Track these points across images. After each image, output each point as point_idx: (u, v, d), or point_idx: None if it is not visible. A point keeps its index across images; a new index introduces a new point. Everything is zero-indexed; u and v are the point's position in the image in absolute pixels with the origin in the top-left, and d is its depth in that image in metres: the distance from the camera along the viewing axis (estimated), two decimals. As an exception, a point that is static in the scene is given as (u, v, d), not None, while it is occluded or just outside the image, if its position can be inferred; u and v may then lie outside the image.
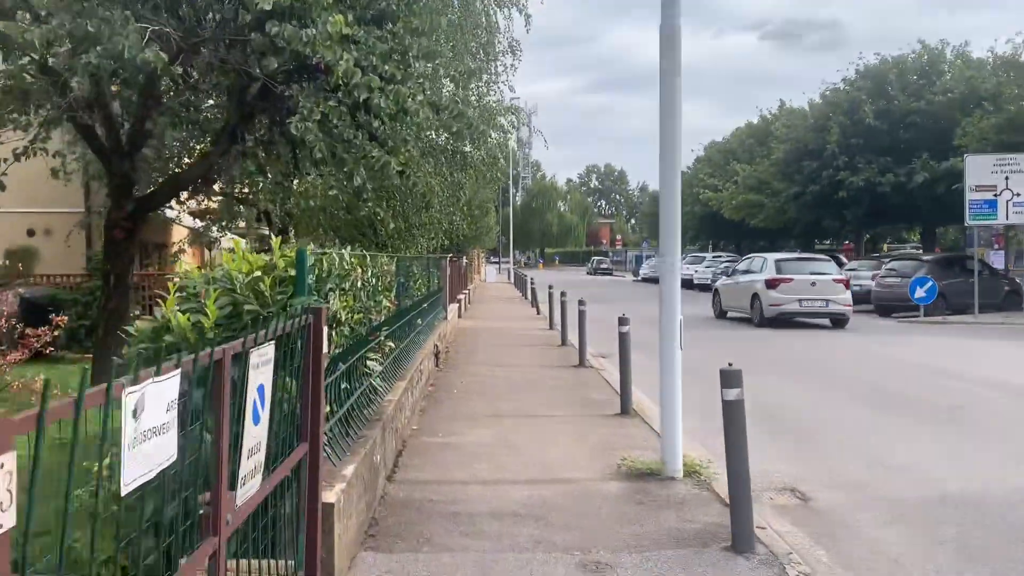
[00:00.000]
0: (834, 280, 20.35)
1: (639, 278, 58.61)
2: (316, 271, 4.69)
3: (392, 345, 7.78)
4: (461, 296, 25.23)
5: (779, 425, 8.98)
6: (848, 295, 20.28)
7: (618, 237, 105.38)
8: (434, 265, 15.52)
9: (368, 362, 6.31)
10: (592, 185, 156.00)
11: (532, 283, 27.75)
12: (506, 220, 71.08)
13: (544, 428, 8.48)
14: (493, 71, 17.01)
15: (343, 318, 5.27)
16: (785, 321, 20.68)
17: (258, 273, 4.39)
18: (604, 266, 76.95)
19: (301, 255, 4.31)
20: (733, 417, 4.97)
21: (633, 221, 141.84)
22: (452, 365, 13.36)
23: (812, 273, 20.45)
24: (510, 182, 71.04)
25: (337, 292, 5.14)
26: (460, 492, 6.13)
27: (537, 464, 6.98)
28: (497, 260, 79.08)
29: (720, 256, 44.88)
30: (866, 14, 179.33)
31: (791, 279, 20.21)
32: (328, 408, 4.64)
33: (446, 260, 16.51)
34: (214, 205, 19.04)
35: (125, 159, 9.07)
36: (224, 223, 17.83)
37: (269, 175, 11.92)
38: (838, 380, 12.21)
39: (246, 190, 17.40)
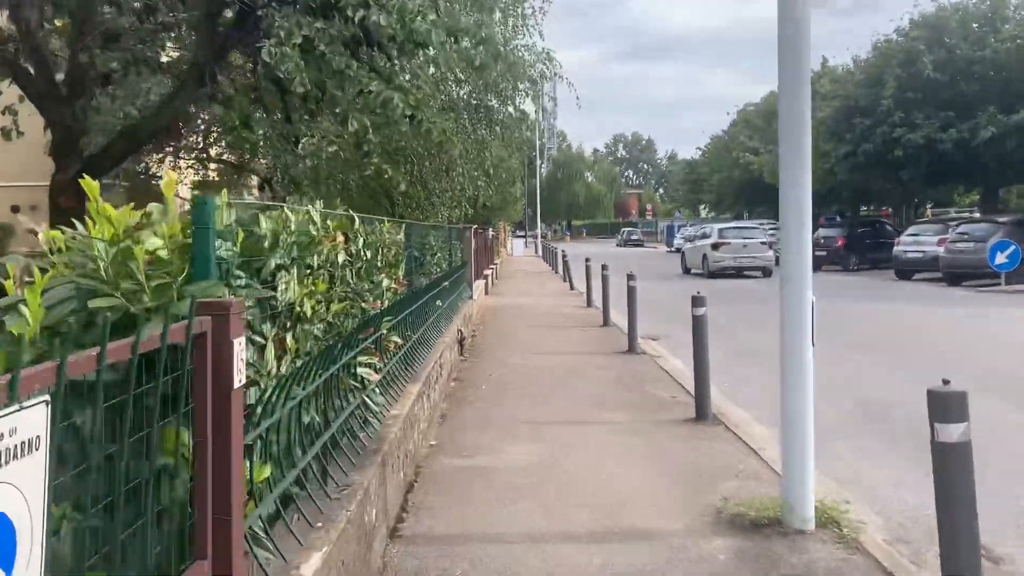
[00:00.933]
0: (760, 243, 27.00)
1: (673, 249, 56.29)
2: (240, 236, 2.72)
3: (400, 340, 5.85)
4: (488, 271, 23.31)
5: (891, 427, 6.97)
6: (771, 254, 25.94)
7: (648, 207, 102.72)
8: (457, 236, 13.59)
9: (359, 370, 4.39)
10: (619, 155, 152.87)
11: (564, 256, 25.65)
12: (532, 191, 68.87)
13: (602, 441, 6.52)
14: (520, 13, 14.92)
15: (307, 311, 3.33)
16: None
17: (130, 242, 2.43)
18: (635, 237, 74.56)
19: (200, 208, 2.37)
20: (956, 471, 2.98)
21: (662, 191, 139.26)
22: (479, 353, 11.42)
23: (744, 238, 27.21)
24: (536, 152, 68.63)
25: (295, 272, 3.20)
26: (497, 558, 4.21)
27: (602, 503, 5.03)
28: (523, 233, 77.04)
29: (764, 223, 42.50)
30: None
31: (729, 242, 27.00)
32: (267, 473, 2.71)
33: (470, 231, 14.56)
34: (214, 175, 17.24)
35: (64, 105, 7.17)
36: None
37: (256, 128, 10.00)
38: (942, 363, 10.09)
39: (246, 156, 15.56)
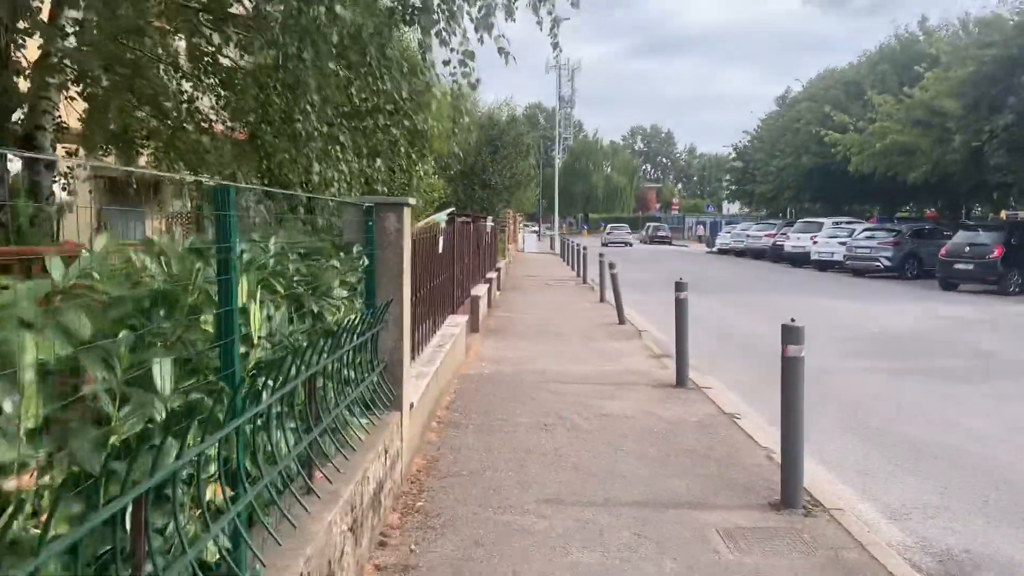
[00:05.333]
0: (626, 232, 60.10)
1: (714, 249, 46.80)
2: None
3: None
4: (481, 288, 13.97)
5: None
6: (631, 236, 61.05)
7: (674, 200, 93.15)
8: (351, 232, 4.29)
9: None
10: (637, 147, 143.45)
11: (612, 268, 15.68)
12: (548, 180, 59.59)
13: None
14: None
15: None
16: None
17: None
18: (662, 234, 64.80)
19: None
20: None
21: (680, 186, 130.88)
22: None
23: (619, 230, 59.77)
24: (558, 139, 59.13)
25: None
26: None
27: None
28: (537, 226, 67.85)
29: (841, 222, 32.97)
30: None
31: (614, 232, 58.29)
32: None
33: (399, 216, 4.95)
34: None
35: None
36: None
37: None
38: None
39: None
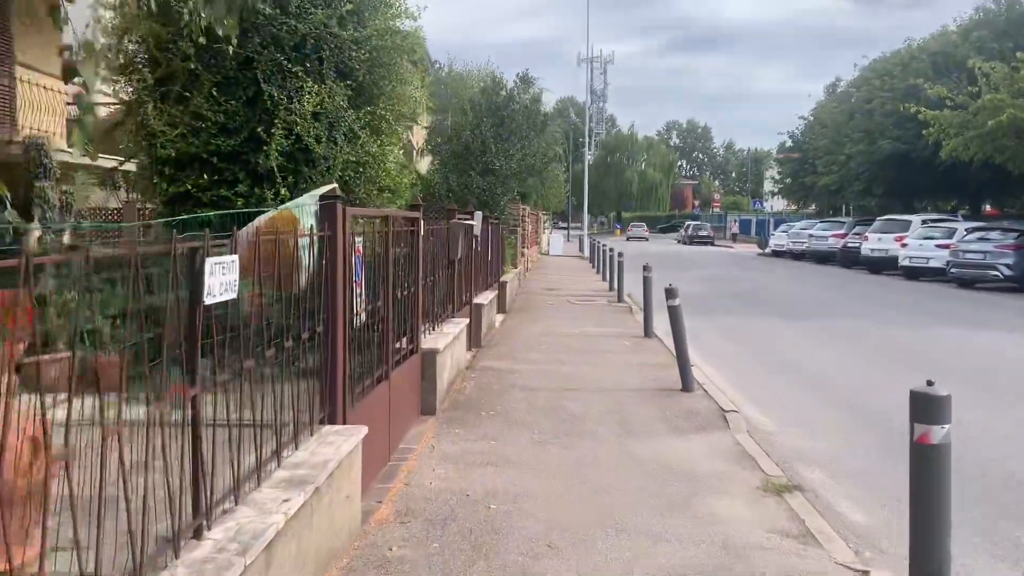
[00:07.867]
0: (645, 228, 70.12)
1: (767, 251, 40.90)
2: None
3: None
4: (449, 330, 8.60)
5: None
6: (646, 232, 68.96)
7: (716, 198, 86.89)
8: None
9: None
10: (672, 143, 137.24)
11: (670, 295, 10.05)
12: (578, 178, 54.11)
13: None
14: None
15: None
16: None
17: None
18: (703, 233, 58.85)
19: None
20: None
21: (718, 182, 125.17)
22: None
23: (639, 227, 69.77)
24: (587, 135, 53.64)
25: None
26: None
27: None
28: (566, 226, 62.26)
29: (930, 220, 27.12)
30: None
31: (633, 229, 69.42)
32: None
33: None
34: None
35: None
36: None
37: None
38: None
39: None
